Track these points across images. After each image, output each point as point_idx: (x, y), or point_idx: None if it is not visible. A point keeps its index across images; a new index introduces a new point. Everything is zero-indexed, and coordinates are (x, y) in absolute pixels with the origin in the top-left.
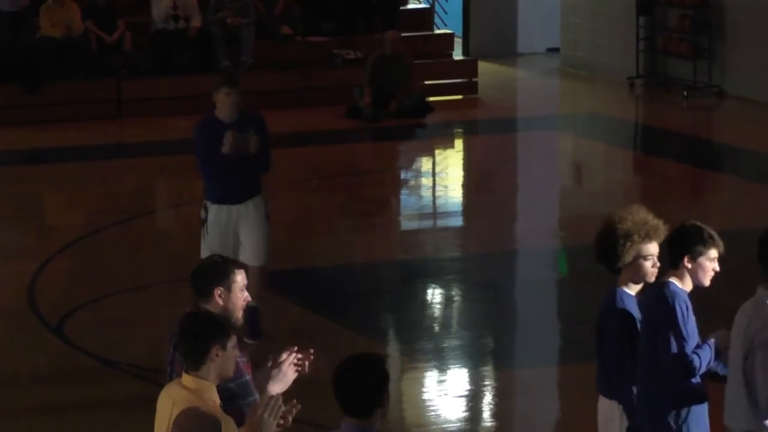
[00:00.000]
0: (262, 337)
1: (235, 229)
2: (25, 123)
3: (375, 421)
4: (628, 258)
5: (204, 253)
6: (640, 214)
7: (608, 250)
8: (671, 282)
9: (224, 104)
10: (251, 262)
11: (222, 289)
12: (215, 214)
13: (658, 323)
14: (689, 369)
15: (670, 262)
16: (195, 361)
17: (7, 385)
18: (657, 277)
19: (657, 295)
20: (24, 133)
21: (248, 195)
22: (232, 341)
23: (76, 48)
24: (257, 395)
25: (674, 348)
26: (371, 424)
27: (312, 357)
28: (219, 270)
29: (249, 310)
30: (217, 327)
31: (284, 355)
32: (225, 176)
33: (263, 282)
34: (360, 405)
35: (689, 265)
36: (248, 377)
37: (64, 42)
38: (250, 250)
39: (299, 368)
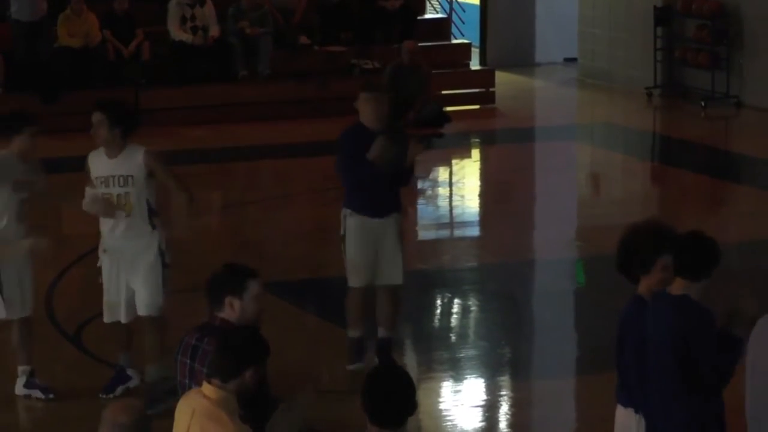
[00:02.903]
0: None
1: (375, 245)
2: (43, 132)
3: (405, 430)
4: (647, 269)
5: (348, 270)
6: (658, 224)
7: (628, 261)
8: (690, 296)
9: (365, 111)
10: (386, 282)
11: (232, 297)
12: (355, 229)
13: (691, 336)
14: (728, 376)
15: (692, 274)
16: (226, 375)
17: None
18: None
19: (684, 308)
20: (42, 142)
21: (390, 210)
22: (264, 363)
23: (94, 58)
24: None
25: (715, 357)
26: None
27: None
28: (231, 279)
29: (380, 341)
30: (261, 350)
31: None
32: (368, 187)
33: (396, 306)
34: (393, 415)
35: (706, 281)
36: None
37: (82, 52)
38: (387, 269)
39: None
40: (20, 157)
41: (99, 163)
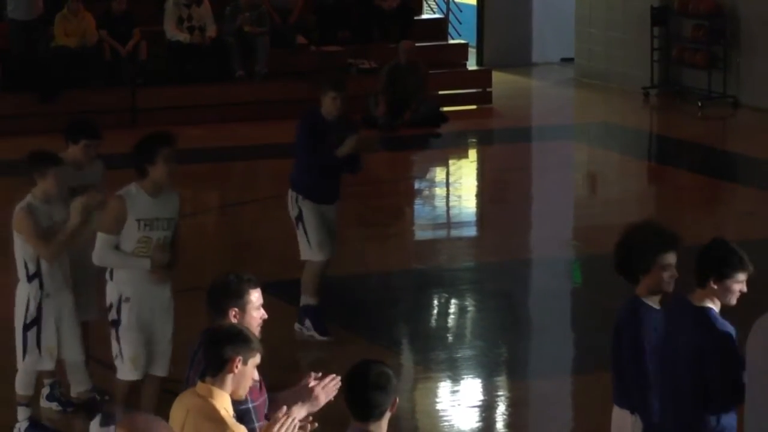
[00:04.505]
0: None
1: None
2: (40, 132)
3: (383, 426)
4: (646, 268)
5: (309, 250)
6: (657, 224)
7: (626, 261)
8: (711, 308)
9: (330, 107)
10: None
11: (237, 309)
12: (312, 210)
13: (705, 350)
14: (740, 396)
15: (698, 280)
16: (214, 368)
17: None
18: (677, 289)
19: (702, 322)
20: (39, 142)
21: (336, 197)
22: (255, 359)
23: (91, 57)
24: (257, 424)
25: (732, 374)
26: (379, 429)
27: (339, 384)
28: (233, 290)
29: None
30: (244, 340)
31: (312, 380)
32: (325, 175)
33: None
34: (369, 409)
35: (715, 286)
36: (252, 404)
37: (78, 51)
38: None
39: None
40: (74, 165)
41: (140, 204)
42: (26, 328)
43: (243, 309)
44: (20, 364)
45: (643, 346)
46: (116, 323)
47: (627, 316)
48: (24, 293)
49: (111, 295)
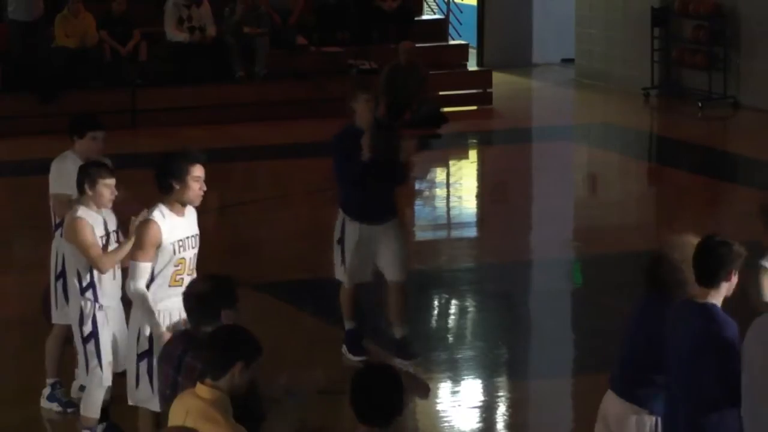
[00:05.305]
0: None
1: (374, 250)
2: (40, 133)
3: (390, 430)
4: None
5: (341, 271)
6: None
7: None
8: (716, 305)
9: (365, 112)
10: (395, 278)
11: (228, 310)
12: (353, 233)
13: (710, 347)
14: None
15: (706, 280)
16: (216, 371)
17: (21, 396)
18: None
19: (712, 319)
20: (39, 142)
21: (389, 214)
22: (257, 363)
23: (91, 58)
24: None
25: (735, 372)
26: None
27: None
28: (225, 292)
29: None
30: (250, 344)
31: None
32: (365, 189)
33: (405, 300)
34: (378, 414)
35: (729, 281)
36: None
37: (78, 52)
38: (393, 266)
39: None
40: (82, 158)
41: (172, 225)
42: (85, 341)
43: (236, 310)
44: (82, 379)
45: (676, 352)
46: (148, 354)
47: (646, 316)
48: (76, 306)
49: (141, 323)
